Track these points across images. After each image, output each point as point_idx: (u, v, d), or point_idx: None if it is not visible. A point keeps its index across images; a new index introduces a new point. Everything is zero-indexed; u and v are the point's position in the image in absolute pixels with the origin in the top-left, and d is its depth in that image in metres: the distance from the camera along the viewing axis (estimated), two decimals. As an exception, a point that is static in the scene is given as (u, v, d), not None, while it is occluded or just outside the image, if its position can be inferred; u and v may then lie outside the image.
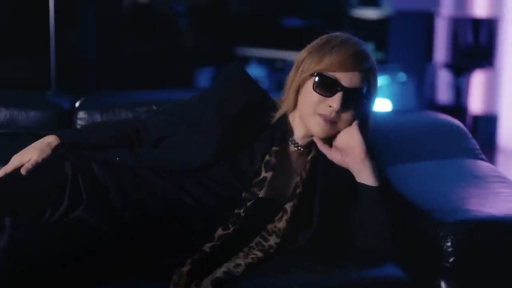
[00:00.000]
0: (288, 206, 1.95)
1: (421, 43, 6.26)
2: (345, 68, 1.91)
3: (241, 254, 1.88)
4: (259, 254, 1.90)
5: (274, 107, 2.02)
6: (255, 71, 5.80)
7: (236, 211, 1.93)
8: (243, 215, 1.92)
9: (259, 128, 2.00)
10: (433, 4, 6.31)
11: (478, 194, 2.13)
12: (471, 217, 1.95)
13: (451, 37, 6.04)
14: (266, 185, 1.96)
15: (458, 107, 6.09)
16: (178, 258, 1.83)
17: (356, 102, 1.93)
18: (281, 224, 1.94)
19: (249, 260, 1.86)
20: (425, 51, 6.29)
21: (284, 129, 2.00)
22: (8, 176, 1.98)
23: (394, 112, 3.88)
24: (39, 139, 2.06)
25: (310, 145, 2.02)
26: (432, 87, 6.45)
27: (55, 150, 2.02)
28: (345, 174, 1.98)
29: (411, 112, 3.48)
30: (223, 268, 1.80)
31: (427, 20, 6.24)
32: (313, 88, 1.93)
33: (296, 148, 2.02)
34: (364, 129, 1.97)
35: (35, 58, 3.16)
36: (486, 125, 6.18)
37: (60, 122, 2.52)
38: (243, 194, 1.94)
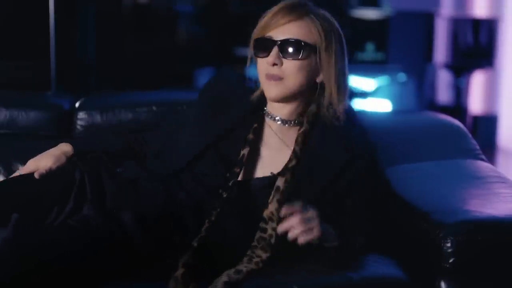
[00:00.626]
0: (280, 182, 1.93)
1: (421, 43, 6.27)
2: (274, 25, 1.96)
3: (245, 259, 1.85)
4: (263, 255, 1.87)
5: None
6: (254, 71, 5.77)
7: (220, 191, 1.93)
8: (224, 196, 1.91)
9: (242, 114, 2.03)
10: (433, 4, 6.31)
11: (478, 195, 2.13)
12: (471, 217, 1.95)
13: (451, 38, 6.04)
14: (246, 162, 1.97)
15: (458, 108, 6.09)
16: (176, 258, 1.83)
17: (294, 51, 1.94)
18: (273, 206, 1.90)
19: (252, 266, 1.84)
20: (425, 52, 6.29)
21: (259, 105, 2.03)
22: (19, 177, 2.00)
23: (394, 112, 3.89)
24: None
25: (298, 118, 2.02)
26: (432, 87, 6.45)
27: (69, 159, 2.05)
28: (338, 158, 1.97)
29: (411, 113, 3.48)
30: (224, 277, 1.79)
31: (427, 20, 6.25)
32: (254, 55, 1.99)
33: (280, 123, 2.02)
34: (334, 92, 1.97)
35: (35, 58, 3.16)
36: (486, 126, 6.18)
37: (60, 123, 2.52)
38: (227, 175, 1.95)
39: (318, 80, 1.99)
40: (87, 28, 3.78)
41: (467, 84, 6.10)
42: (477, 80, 6.31)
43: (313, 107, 2.01)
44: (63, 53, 3.30)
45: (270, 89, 1.97)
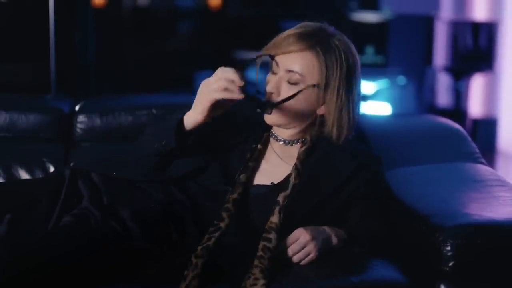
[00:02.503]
0: (281, 197, 1.93)
1: (421, 46, 6.27)
2: (281, 50, 1.94)
3: (256, 270, 1.82)
4: (270, 265, 1.84)
5: None
6: (254, 75, 5.77)
7: (221, 198, 1.93)
8: (215, 222, 1.88)
9: (248, 132, 2.04)
10: (432, 7, 6.32)
11: (477, 198, 2.13)
12: (471, 221, 1.95)
13: (451, 41, 6.04)
14: (247, 175, 1.97)
15: (457, 111, 6.09)
16: (174, 259, 1.84)
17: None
18: (275, 218, 1.90)
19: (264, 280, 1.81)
20: (424, 55, 6.29)
21: (264, 125, 2.02)
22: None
23: (394, 115, 3.89)
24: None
25: (301, 138, 2.02)
26: (432, 90, 6.45)
27: None
28: (344, 168, 1.98)
29: (411, 116, 3.48)
30: None
31: (426, 23, 6.25)
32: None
33: (282, 143, 2.03)
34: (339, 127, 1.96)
35: (35, 61, 3.16)
36: (485, 129, 6.18)
37: (60, 126, 2.51)
38: (228, 184, 1.96)
39: (319, 112, 1.98)
40: (87, 31, 3.79)
41: (466, 88, 6.10)
42: (477, 84, 6.31)
43: (314, 131, 2.01)
44: (63, 56, 3.30)
45: (265, 116, 1.98)
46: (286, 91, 1.94)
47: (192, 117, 1.91)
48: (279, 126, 2.01)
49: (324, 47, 1.94)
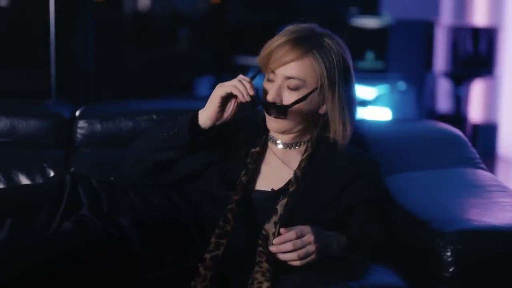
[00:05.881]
0: (280, 205, 1.92)
1: (421, 52, 6.27)
2: (278, 61, 1.93)
3: (258, 275, 1.82)
4: (269, 268, 1.84)
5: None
6: (255, 80, 5.76)
7: (222, 204, 1.92)
8: (221, 223, 1.89)
9: (247, 135, 2.03)
10: (432, 13, 6.32)
11: (477, 204, 2.13)
12: (471, 226, 1.95)
13: (451, 46, 6.05)
14: (248, 179, 1.96)
15: (457, 116, 6.09)
16: (179, 268, 1.84)
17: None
18: (269, 227, 1.89)
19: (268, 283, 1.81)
20: (425, 60, 6.29)
21: (261, 129, 2.02)
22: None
23: (394, 121, 3.89)
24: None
25: (300, 141, 2.02)
26: (432, 96, 6.46)
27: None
28: (343, 173, 1.97)
29: (411, 121, 3.48)
30: None
31: (426, 29, 6.25)
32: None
33: (281, 146, 2.02)
34: (342, 129, 1.96)
35: (35, 67, 3.17)
36: (485, 134, 6.18)
37: (60, 131, 2.52)
38: (229, 190, 1.95)
39: (321, 111, 1.98)
40: (87, 37, 3.79)
41: (466, 93, 6.10)
42: (477, 89, 6.32)
43: (316, 133, 2.01)
44: (63, 62, 3.30)
45: (270, 123, 1.98)
46: (289, 97, 1.94)
47: (205, 114, 1.95)
48: (283, 132, 2.00)
49: (320, 49, 1.94)
